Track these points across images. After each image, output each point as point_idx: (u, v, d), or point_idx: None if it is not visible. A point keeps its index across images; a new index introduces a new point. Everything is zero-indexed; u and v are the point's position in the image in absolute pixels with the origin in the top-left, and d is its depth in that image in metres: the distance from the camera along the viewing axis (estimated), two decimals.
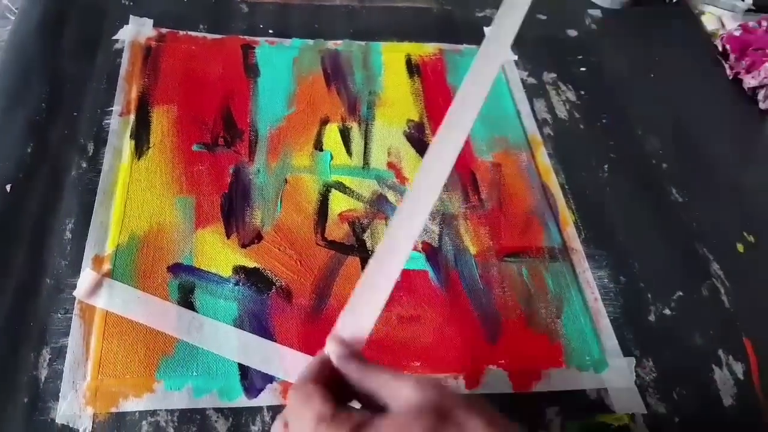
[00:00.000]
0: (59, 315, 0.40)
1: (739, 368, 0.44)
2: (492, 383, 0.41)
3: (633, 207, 0.51)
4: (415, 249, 0.46)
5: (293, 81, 0.54)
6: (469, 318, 0.43)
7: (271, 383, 0.39)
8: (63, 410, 0.37)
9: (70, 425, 0.36)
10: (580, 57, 0.61)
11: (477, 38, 0.60)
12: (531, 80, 0.59)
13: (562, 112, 0.56)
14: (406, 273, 0.45)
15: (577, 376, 0.42)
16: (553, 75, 0.59)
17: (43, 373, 0.38)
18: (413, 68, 0.58)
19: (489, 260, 0.46)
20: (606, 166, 0.53)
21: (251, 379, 0.39)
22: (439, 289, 0.44)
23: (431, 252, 0.46)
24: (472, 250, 0.46)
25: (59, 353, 0.38)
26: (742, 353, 0.44)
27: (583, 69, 0.60)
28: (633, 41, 0.65)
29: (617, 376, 0.42)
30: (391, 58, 0.58)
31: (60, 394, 0.37)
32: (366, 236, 0.46)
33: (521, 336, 0.43)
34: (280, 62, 0.55)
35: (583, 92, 0.58)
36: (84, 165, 0.46)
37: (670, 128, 0.57)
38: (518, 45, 0.61)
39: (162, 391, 0.38)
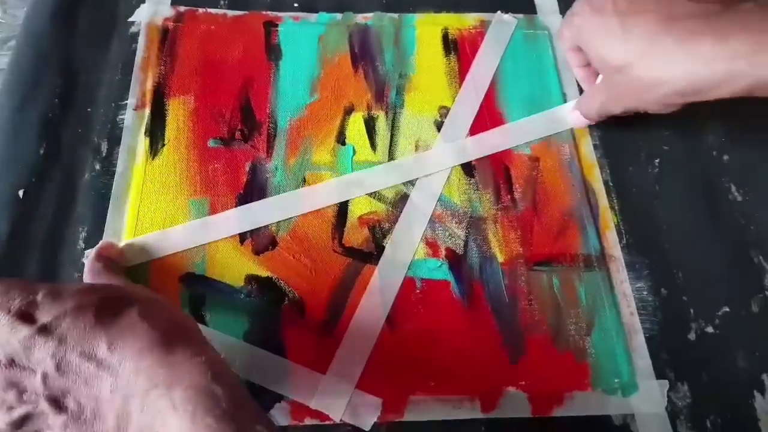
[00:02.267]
0: None
1: None
2: (509, 406, 0.41)
3: (684, 207, 0.48)
4: (437, 256, 0.45)
5: (318, 63, 0.53)
6: (491, 335, 0.43)
7: (280, 402, 0.41)
8: None
9: None
10: None
11: (526, 7, 0.57)
12: None
13: None
14: (426, 283, 0.44)
15: (602, 400, 0.42)
16: None
17: None
18: (450, 44, 0.55)
19: (517, 269, 0.45)
20: (657, 160, 0.50)
21: (260, 398, 0.40)
22: (461, 302, 0.44)
23: (455, 260, 0.45)
24: (500, 257, 0.46)
25: None
26: None
27: None
28: None
29: (647, 400, 0.42)
30: (426, 32, 0.56)
31: None
32: (386, 242, 0.46)
33: (545, 355, 0.43)
34: (305, 41, 0.54)
35: None
36: (97, 167, 0.47)
37: (737, 112, 0.52)
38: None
39: None
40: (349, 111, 0.51)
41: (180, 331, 0.32)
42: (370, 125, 0.51)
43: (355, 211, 0.47)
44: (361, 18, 0.56)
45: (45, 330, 0.29)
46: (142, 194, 0.47)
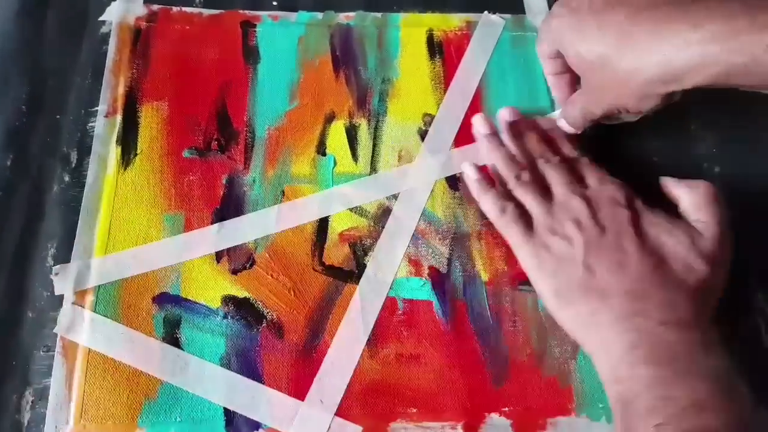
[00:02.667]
0: (41, 353, 0.41)
1: None
2: None
3: None
4: (420, 275, 0.44)
5: (297, 67, 0.51)
6: (474, 358, 0.43)
7: (257, 430, 0.40)
8: None
9: None
10: None
11: (515, 7, 0.56)
12: None
13: None
14: (408, 303, 0.43)
15: (587, 426, 0.41)
16: None
17: (26, 417, 0.40)
18: (435, 47, 0.54)
19: (501, 288, 0.45)
20: (646, 172, 0.49)
21: (236, 426, 0.40)
22: (444, 324, 0.43)
23: (438, 279, 0.45)
24: (484, 276, 0.45)
25: (42, 395, 0.40)
26: None
27: None
28: None
29: None
30: (411, 34, 0.54)
31: None
32: (367, 260, 0.45)
33: (529, 379, 0.42)
34: (284, 43, 0.52)
35: None
36: (66, 179, 0.46)
37: (732, 123, 0.51)
38: None
39: None
40: (330, 119, 0.50)
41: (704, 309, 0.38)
42: (351, 134, 0.49)
43: (335, 227, 0.46)
44: (344, 18, 0.54)
45: (635, 216, 0.40)
46: (114, 208, 0.45)
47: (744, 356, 0.41)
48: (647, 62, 0.38)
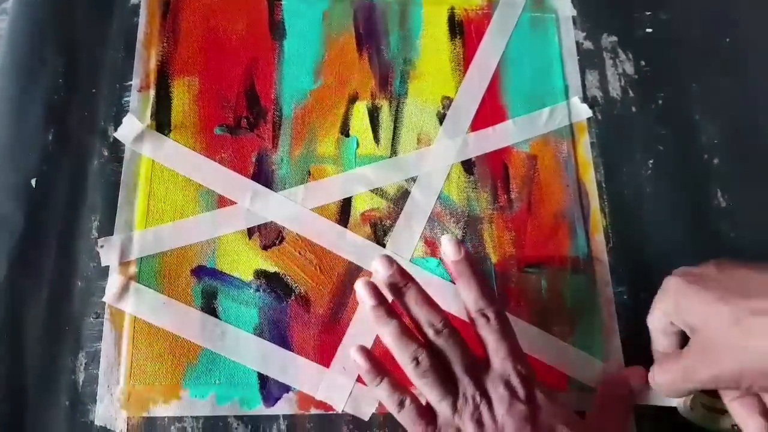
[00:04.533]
0: (91, 320, 0.46)
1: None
2: None
3: (670, 212, 0.53)
4: (435, 255, 0.49)
5: (322, 44, 0.55)
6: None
7: (287, 393, 0.46)
8: (100, 413, 0.44)
9: (108, 427, 0.44)
10: (649, 13, 0.59)
11: None
12: (587, 44, 0.58)
13: (615, 88, 0.56)
14: (425, 282, 0.48)
15: (579, 397, 0.47)
16: (614, 39, 0.58)
17: (81, 377, 0.45)
18: (456, 27, 0.57)
19: (509, 270, 0.50)
20: (651, 161, 0.54)
21: (269, 388, 0.46)
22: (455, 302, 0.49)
23: None
24: (493, 258, 0.50)
25: (94, 357, 0.45)
26: None
27: (649, 30, 0.58)
28: None
29: None
30: (433, 12, 0.57)
31: (97, 398, 0.45)
32: (387, 239, 0.50)
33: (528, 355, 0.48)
34: (309, 18, 0.56)
35: (643, 63, 0.57)
36: (105, 153, 0.50)
37: (735, 113, 0.56)
38: None
39: (188, 399, 0.45)
40: (353, 99, 0.53)
41: None
42: (373, 116, 0.53)
43: (358, 207, 0.51)
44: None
45: (531, 410, 0.39)
46: (152, 183, 0.49)
47: None
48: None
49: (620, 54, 0.57)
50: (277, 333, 0.47)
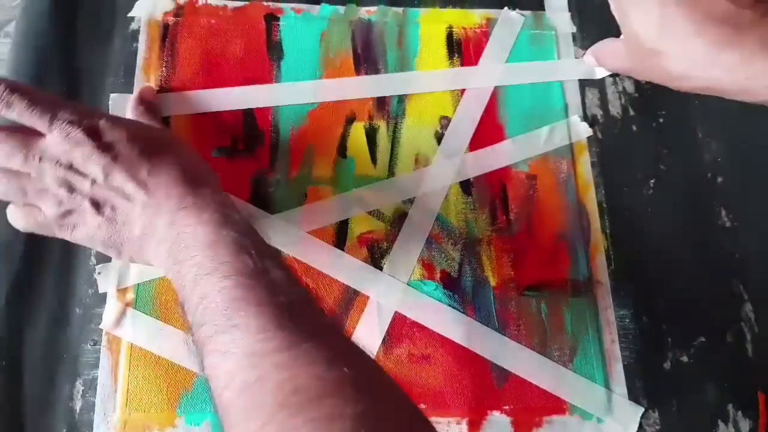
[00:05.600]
0: (88, 347, 0.46)
1: (745, 425, 0.47)
2: (493, 429, 0.46)
3: (673, 232, 0.52)
4: (432, 279, 0.49)
5: (320, 65, 0.54)
6: (480, 359, 0.48)
7: None
8: None
9: None
10: None
11: (535, 2, 0.58)
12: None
13: (615, 107, 0.55)
14: (423, 305, 0.48)
15: (579, 424, 0.47)
16: None
17: (78, 405, 0.45)
18: (454, 46, 0.56)
19: (508, 294, 0.49)
20: (652, 180, 0.53)
21: None
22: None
23: (449, 283, 0.49)
24: (492, 281, 0.50)
25: (90, 385, 0.45)
26: (753, 409, 0.47)
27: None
28: None
29: (620, 426, 0.47)
30: (430, 30, 0.56)
31: (93, 425, 0.44)
32: (384, 262, 0.49)
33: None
34: (307, 39, 0.55)
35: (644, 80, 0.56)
36: None
37: (738, 130, 0.55)
38: (580, 9, 0.58)
39: (183, 427, 0.45)
40: (350, 120, 0.53)
41: (204, 174, 0.43)
42: (371, 136, 0.53)
43: (354, 230, 0.50)
44: (365, 12, 0.56)
45: (105, 147, 0.40)
46: None
47: (728, 364, 0.46)
48: (696, 76, 0.41)
49: None
50: None
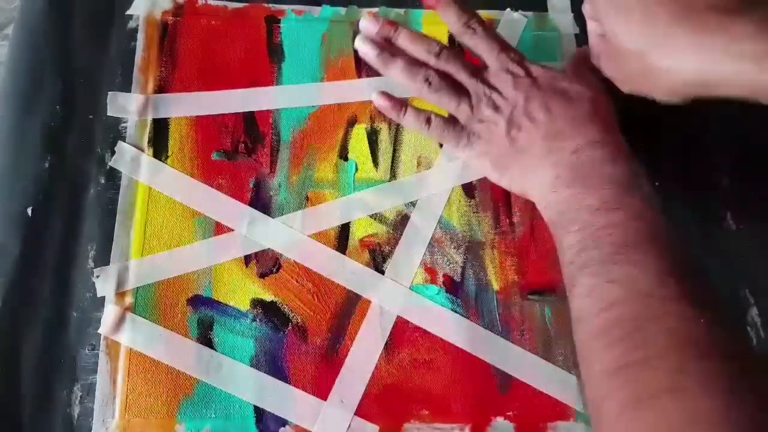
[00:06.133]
0: (87, 351, 0.46)
1: None
2: None
3: (679, 235, 0.50)
4: (435, 282, 0.48)
5: (321, 67, 0.54)
6: (483, 364, 0.47)
7: (284, 427, 0.45)
8: None
9: None
10: None
11: (538, 3, 0.58)
12: None
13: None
14: (426, 309, 0.47)
15: (585, 431, 0.46)
16: None
17: (76, 410, 0.44)
18: (456, 46, 0.55)
19: (512, 298, 0.49)
20: (657, 183, 0.52)
21: (265, 422, 0.45)
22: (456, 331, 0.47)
23: (452, 287, 0.49)
24: (495, 285, 0.49)
25: (89, 390, 0.45)
26: None
27: None
28: None
29: None
30: (433, 32, 0.56)
31: (92, 431, 0.43)
32: (386, 266, 0.48)
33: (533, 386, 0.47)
34: (307, 41, 0.55)
35: None
36: (102, 180, 0.49)
37: (745, 132, 0.54)
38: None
39: None
40: (352, 122, 0.53)
41: (616, 126, 0.46)
42: (372, 139, 0.52)
43: (356, 233, 0.50)
44: (367, 13, 0.56)
45: (531, 79, 0.47)
46: (149, 211, 0.49)
47: None
48: (684, 67, 0.41)
49: None
50: (274, 365, 0.46)
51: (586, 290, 0.38)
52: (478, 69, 0.48)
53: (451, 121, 0.48)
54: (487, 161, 0.47)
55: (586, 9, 0.48)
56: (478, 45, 0.48)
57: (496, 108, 0.46)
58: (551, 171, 0.43)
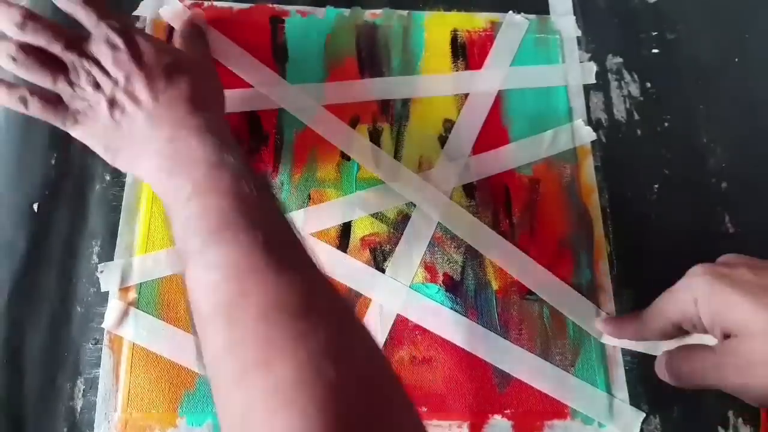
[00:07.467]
0: (90, 345, 0.46)
1: None
2: None
3: (677, 238, 0.51)
4: (435, 281, 0.49)
5: (324, 68, 0.54)
6: (481, 363, 0.47)
7: None
8: None
9: None
10: (655, 33, 0.58)
11: (539, 7, 0.58)
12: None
13: (620, 111, 0.55)
14: (425, 308, 0.48)
15: (580, 429, 0.46)
16: (619, 60, 0.57)
17: (79, 404, 0.45)
18: (458, 48, 0.56)
19: (510, 297, 0.49)
20: (656, 185, 0.53)
21: None
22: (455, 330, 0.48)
23: (452, 286, 0.49)
24: (494, 285, 0.49)
25: (92, 384, 0.45)
26: (754, 417, 0.47)
27: (655, 51, 0.57)
28: (722, 9, 0.60)
29: (622, 431, 0.46)
30: (435, 34, 0.56)
31: (94, 425, 0.44)
32: (387, 265, 0.49)
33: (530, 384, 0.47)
34: (312, 42, 0.55)
35: (649, 84, 0.56)
36: (107, 177, 0.50)
37: (743, 135, 0.54)
38: (584, 14, 0.58)
39: (184, 427, 0.45)
40: (354, 122, 0.53)
41: (215, 102, 0.46)
42: (375, 139, 0.53)
43: (357, 232, 0.50)
44: (370, 15, 0.56)
45: (134, 55, 0.42)
46: (153, 208, 0.49)
47: None
48: None
49: (625, 75, 0.56)
50: None
51: (194, 282, 0.35)
52: (77, 39, 0.42)
53: (54, 100, 0.42)
54: (96, 142, 0.43)
55: (669, 309, 0.43)
56: (76, 11, 0.42)
57: (96, 86, 0.42)
58: (155, 160, 0.41)
